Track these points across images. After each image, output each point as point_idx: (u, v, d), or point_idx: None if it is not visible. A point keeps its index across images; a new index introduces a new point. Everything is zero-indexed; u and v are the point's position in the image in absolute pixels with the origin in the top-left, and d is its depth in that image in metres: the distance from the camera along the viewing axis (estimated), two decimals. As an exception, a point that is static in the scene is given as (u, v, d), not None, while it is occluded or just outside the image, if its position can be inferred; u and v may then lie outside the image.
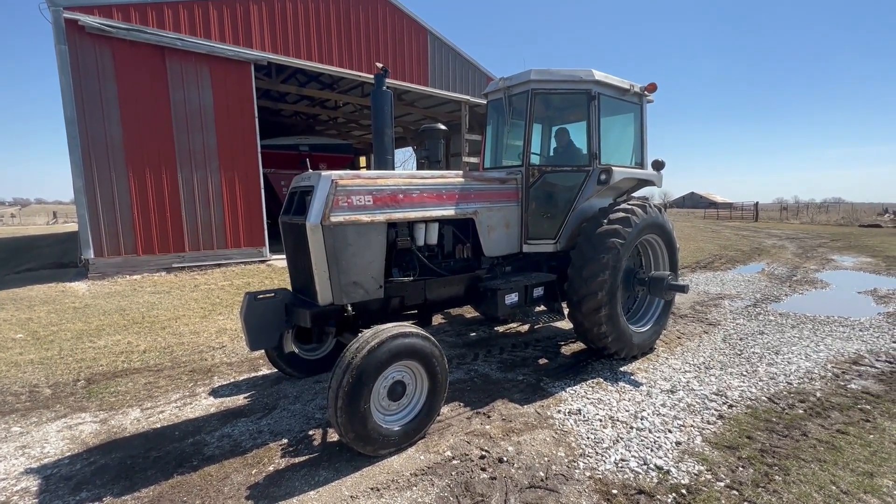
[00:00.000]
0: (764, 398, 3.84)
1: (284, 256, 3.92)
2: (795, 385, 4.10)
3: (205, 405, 3.80)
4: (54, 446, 3.18)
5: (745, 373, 4.38)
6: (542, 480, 2.74)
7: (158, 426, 3.45)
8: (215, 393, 4.03)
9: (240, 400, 3.89)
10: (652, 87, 5.03)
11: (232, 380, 4.32)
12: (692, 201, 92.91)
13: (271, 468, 2.88)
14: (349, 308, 3.44)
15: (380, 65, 4.09)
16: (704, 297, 7.82)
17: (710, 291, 8.26)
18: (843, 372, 4.39)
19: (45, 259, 12.24)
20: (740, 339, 5.41)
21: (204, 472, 2.85)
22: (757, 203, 36.88)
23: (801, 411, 3.59)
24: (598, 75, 4.59)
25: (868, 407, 3.65)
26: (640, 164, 5.26)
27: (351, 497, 2.59)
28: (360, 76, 12.36)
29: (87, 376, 4.39)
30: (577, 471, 2.83)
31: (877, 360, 4.68)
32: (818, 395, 3.89)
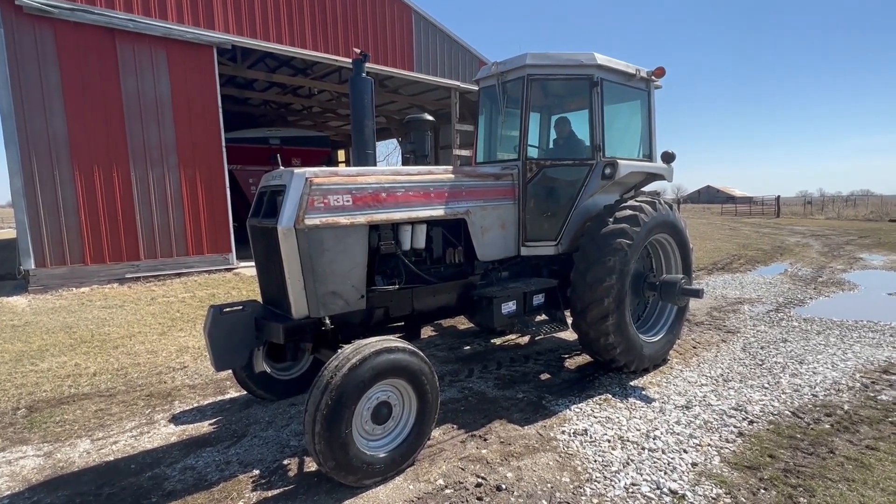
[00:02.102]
0: (787, 412, 3.91)
1: (253, 264, 3.91)
2: (821, 397, 4.18)
3: (164, 434, 3.76)
4: (-9, 485, 3.13)
5: (766, 385, 4.46)
6: (544, 509, 2.76)
7: (111, 459, 3.41)
8: (176, 420, 3.99)
9: (204, 427, 3.86)
10: (660, 72, 5.11)
11: (195, 404, 4.29)
12: (708, 195, 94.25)
13: (241, 503, 2.86)
14: (327, 321, 3.44)
15: (358, 50, 4.11)
16: (722, 301, 7.94)
17: (729, 296, 8.39)
18: (873, 382, 4.49)
19: (-21, 271, 12.00)
20: (761, 348, 5.50)
21: (164, 509, 2.82)
22: (779, 197, 37.49)
23: (827, 426, 3.67)
24: (601, 59, 4.66)
25: (900, 420, 3.74)
26: (649, 157, 5.34)
27: (331, 534, 2.59)
28: (337, 60, 12.37)
29: (29, 404, 4.32)
30: (583, 498, 2.86)
31: (909, 369, 4.80)
32: (846, 407, 3.98)
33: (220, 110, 10.69)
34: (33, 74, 8.64)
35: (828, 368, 4.85)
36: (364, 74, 4.17)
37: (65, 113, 8.94)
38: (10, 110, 8.41)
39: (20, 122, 8.53)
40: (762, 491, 2.89)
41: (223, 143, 10.80)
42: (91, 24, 9.05)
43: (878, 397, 4.16)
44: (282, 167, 3.58)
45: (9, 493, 3.04)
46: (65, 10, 8.74)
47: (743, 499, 2.81)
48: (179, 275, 10.23)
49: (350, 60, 4.26)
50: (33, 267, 8.78)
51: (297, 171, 3.31)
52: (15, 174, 8.53)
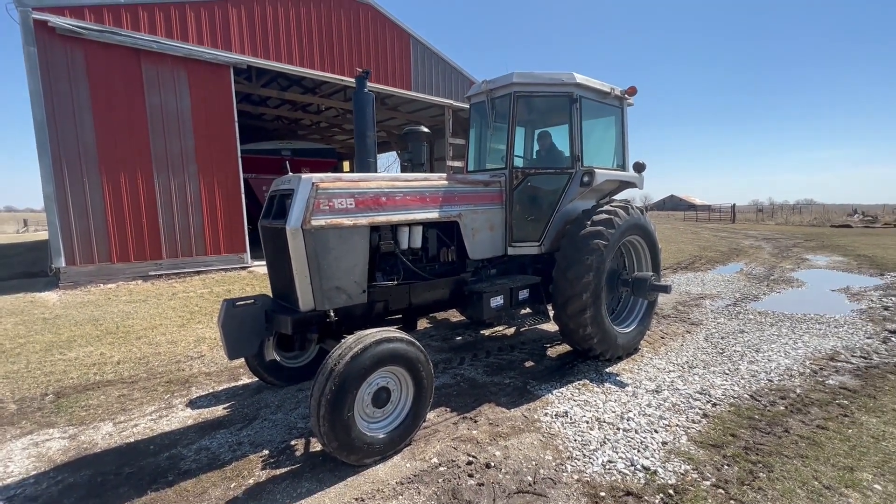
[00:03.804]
0: (746, 396, 3.89)
1: (265, 262, 3.83)
2: (776, 382, 4.17)
3: (181, 417, 3.66)
4: (19, 465, 3.02)
5: (727, 371, 4.44)
6: (530, 485, 2.70)
7: (132, 440, 3.31)
8: (193, 404, 3.89)
9: (219, 411, 3.76)
10: (632, 91, 5.10)
11: (210, 390, 4.19)
12: (672, 203, 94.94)
13: (251, 481, 2.78)
14: (332, 314, 3.37)
15: (360, 68, 4.05)
16: (686, 297, 7.94)
17: (692, 291, 8.40)
18: (821, 368, 4.49)
19: (14, 268, 11.75)
20: (722, 338, 5.49)
21: (180, 487, 2.73)
22: (734, 205, 37.86)
23: (782, 408, 3.65)
24: (580, 78, 4.63)
25: (846, 402, 3.73)
26: (622, 167, 5.31)
27: (334, 509, 2.51)
28: (342, 80, 12.27)
29: (56, 390, 4.20)
30: (564, 474, 2.81)
31: (852, 356, 4.80)
32: (798, 391, 3.96)
33: (236, 124, 10.55)
34: (65, 90, 8.46)
35: (781, 356, 4.84)
36: (366, 90, 4.10)
37: (93, 125, 8.77)
38: (43, 122, 8.24)
39: (52, 133, 8.35)
40: (725, 467, 2.85)
41: (239, 154, 10.66)
42: (118, 45, 8.90)
43: (826, 382, 4.16)
44: (290, 173, 3.50)
45: (35, 472, 2.93)
46: (94, 32, 8.58)
47: (709, 474, 2.78)
48: (198, 272, 10.07)
49: (354, 80, 4.19)
50: (64, 265, 8.59)
51: (304, 176, 3.23)
52: (47, 180, 8.35)
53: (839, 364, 4.59)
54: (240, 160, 10.67)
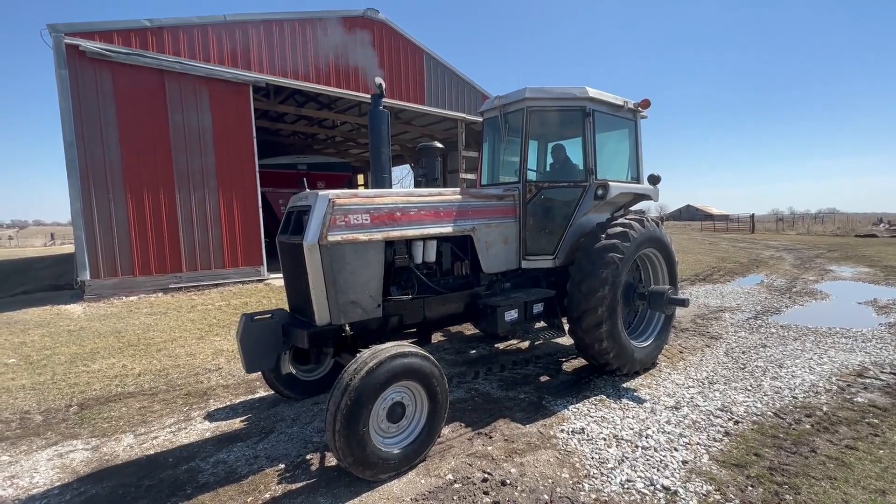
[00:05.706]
0: (770, 413, 3.77)
1: (282, 276, 3.89)
2: (801, 399, 4.04)
3: (200, 430, 3.71)
4: (44, 476, 3.09)
5: (749, 387, 4.32)
6: (546, 504, 2.66)
7: (152, 453, 3.36)
8: (211, 417, 3.94)
9: (236, 424, 3.80)
10: (645, 104, 5.09)
11: (228, 403, 4.24)
12: (688, 214, 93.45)
13: (267, 496, 2.79)
14: (347, 328, 3.40)
15: (378, 80, 4.10)
16: (705, 310, 7.78)
17: (711, 304, 8.23)
18: (849, 385, 4.33)
19: (41, 281, 12.14)
20: (743, 353, 5.35)
21: (197, 500, 2.76)
22: (753, 215, 37.09)
23: (808, 426, 3.53)
24: (592, 92, 4.65)
25: (876, 421, 3.59)
26: (636, 179, 5.28)
27: (350, 525, 2.50)
28: (357, 96, 12.52)
29: (80, 401, 4.30)
30: (582, 493, 2.76)
31: (881, 373, 4.63)
32: (825, 409, 3.83)
33: (255, 140, 10.82)
34: (93, 109, 8.81)
35: (806, 372, 4.69)
36: (381, 108, 4.18)
37: (119, 143, 9.09)
38: (72, 140, 8.57)
39: (81, 150, 8.68)
40: (750, 488, 2.76)
41: (257, 169, 10.91)
42: (144, 66, 9.26)
43: (855, 399, 4.01)
44: (307, 190, 3.58)
45: (59, 483, 3.00)
46: (121, 55, 8.95)
47: (732, 495, 2.69)
48: (217, 285, 10.26)
49: (368, 96, 4.27)
50: (88, 278, 8.85)
51: (321, 193, 3.29)
52: (75, 197, 8.66)
53: (868, 380, 4.43)
54: (257, 175, 10.91)
